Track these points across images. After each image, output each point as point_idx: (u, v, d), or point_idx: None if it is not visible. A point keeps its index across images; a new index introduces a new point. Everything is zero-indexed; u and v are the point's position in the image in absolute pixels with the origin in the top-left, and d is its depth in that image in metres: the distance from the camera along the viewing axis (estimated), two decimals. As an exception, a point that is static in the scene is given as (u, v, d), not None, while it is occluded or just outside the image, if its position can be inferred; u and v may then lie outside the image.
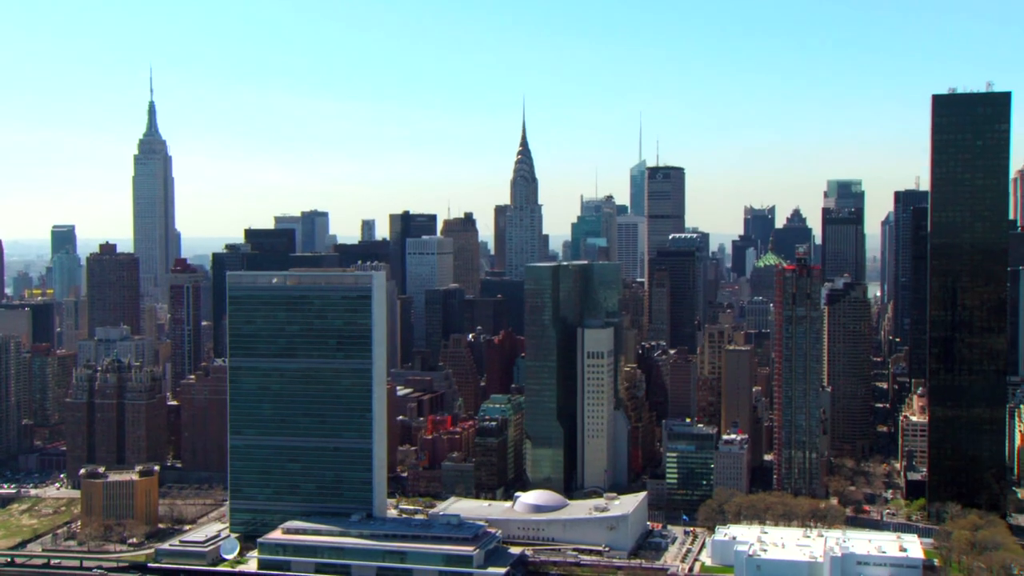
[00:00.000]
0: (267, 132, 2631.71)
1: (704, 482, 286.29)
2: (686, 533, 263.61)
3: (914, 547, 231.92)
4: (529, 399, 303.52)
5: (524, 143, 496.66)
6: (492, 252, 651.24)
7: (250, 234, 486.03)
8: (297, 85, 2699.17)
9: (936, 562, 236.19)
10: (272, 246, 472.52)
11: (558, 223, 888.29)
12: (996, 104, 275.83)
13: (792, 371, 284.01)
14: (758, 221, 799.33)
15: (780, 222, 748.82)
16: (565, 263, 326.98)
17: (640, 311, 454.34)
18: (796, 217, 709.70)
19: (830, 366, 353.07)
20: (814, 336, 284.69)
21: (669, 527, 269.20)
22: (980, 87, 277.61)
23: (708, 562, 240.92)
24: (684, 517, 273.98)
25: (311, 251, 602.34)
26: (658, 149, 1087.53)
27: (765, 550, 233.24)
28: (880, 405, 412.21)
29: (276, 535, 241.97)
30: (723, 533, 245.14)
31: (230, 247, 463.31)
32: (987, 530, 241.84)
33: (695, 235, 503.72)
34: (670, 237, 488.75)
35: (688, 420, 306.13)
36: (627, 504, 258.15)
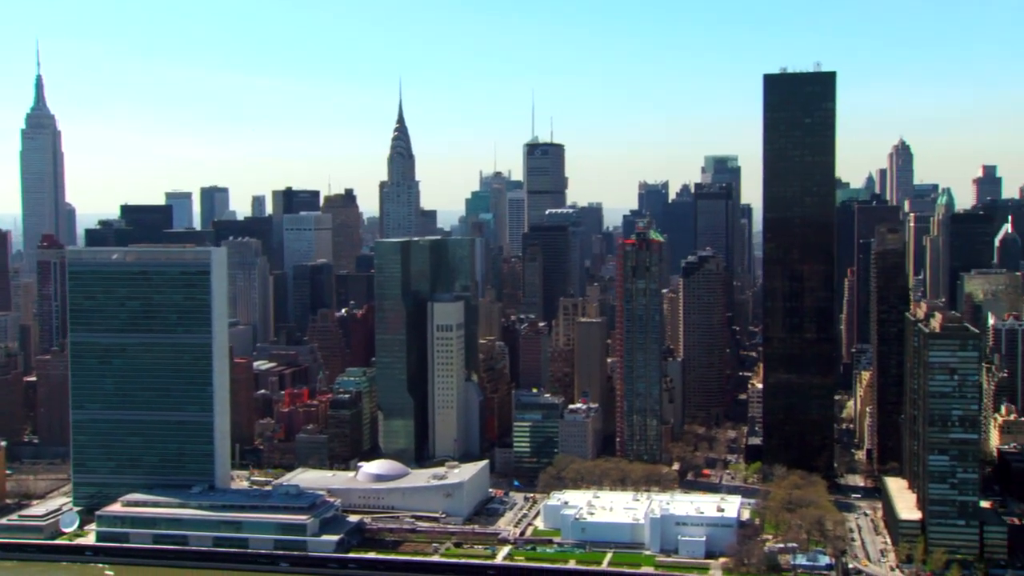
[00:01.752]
0: (173, 107, 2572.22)
1: (556, 450, 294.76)
2: (526, 499, 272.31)
3: (732, 507, 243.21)
4: (380, 372, 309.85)
5: (400, 120, 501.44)
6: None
7: (126, 210, 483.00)
8: (202, 59, 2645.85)
9: (756, 521, 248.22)
10: (148, 222, 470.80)
11: (458, 199, 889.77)
12: (823, 83, 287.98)
13: (633, 341, 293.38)
14: (652, 196, 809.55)
15: (673, 197, 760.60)
16: (416, 239, 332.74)
17: (518, 285, 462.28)
18: (685, 192, 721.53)
19: (685, 336, 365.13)
20: (654, 308, 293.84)
21: (511, 494, 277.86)
22: (810, 67, 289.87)
23: (541, 526, 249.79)
24: (515, 483, 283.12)
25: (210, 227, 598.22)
26: (552, 125, 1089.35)
27: (592, 513, 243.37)
28: (746, 374, 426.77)
29: (115, 508, 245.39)
30: (556, 498, 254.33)
31: (103, 223, 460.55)
32: (804, 489, 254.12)
33: (571, 210, 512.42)
34: (546, 212, 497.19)
35: (535, 390, 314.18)
36: (465, 472, 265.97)
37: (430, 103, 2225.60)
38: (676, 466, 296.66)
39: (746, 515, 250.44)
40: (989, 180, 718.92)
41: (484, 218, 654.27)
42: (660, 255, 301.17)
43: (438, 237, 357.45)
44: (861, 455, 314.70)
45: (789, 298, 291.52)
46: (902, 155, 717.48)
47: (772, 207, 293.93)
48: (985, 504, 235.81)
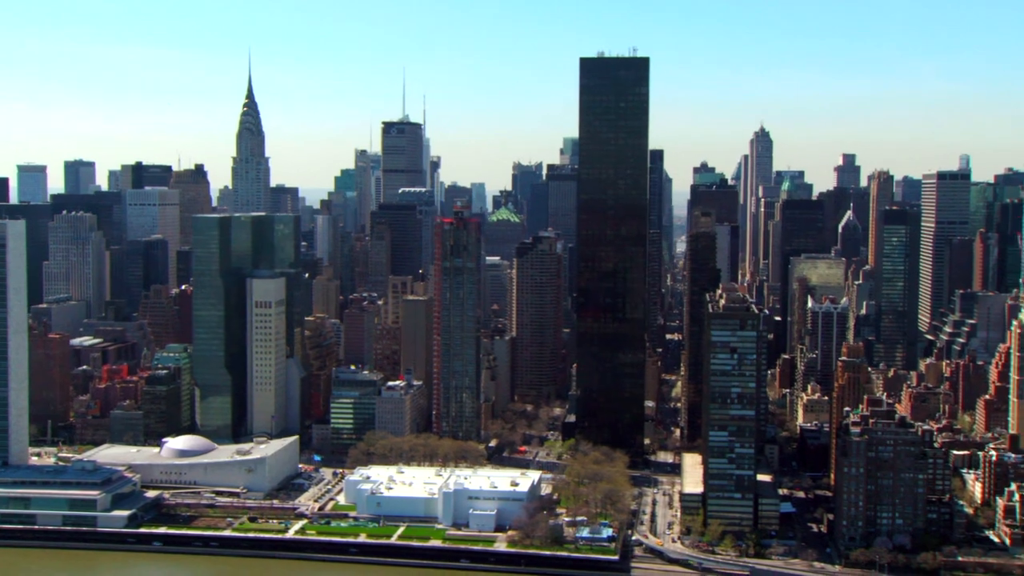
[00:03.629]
0: (37, 77, 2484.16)
1: (375, 427, 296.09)
2: (335, 475, 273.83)
3: (526, 482, 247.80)
4: (198, 348, 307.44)
5: (250, 95, 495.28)
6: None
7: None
8: (94, 30, 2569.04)
9: (555, 495, 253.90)
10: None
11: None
12: (637, 68, 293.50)
13: (450, 320, 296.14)
14: (525, 177, 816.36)
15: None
16: (238, 214, 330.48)
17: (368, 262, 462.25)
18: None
19: (518, 315, 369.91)
20: (471, 286, 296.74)
21: (321, 469, 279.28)
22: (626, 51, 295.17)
23: (342, 501, 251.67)
24: (316, 458, 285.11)
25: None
26: (425, 104, 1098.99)
27: (391, 488, 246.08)
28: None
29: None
30: (360, 474, 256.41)
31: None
32: (604, 465, 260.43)
33: (424, 190, 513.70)
34: (399, 191, 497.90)
35: (353, 367, 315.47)
36: (270, 448, 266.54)
37: (307, 79, 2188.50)
38: (494, 442, 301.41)
39: (547, 490, 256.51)
40: (848, 168, 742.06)
41: (349, 196, 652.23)
42: (479, 234, 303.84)
43: (262, 214, 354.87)
44: (679, 432, 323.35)
45: (602, 278, 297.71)
46: (762, 141, 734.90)
47: (586, 188, 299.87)
48: (765, 478, 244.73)
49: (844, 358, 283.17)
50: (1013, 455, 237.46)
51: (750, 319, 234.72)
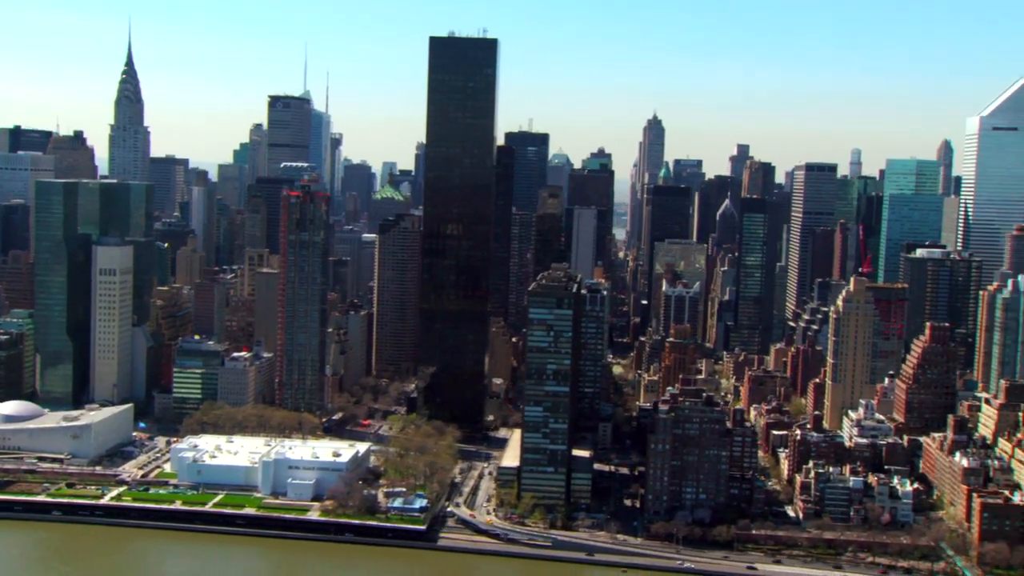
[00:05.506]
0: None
1: (217, 397, 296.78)
2: (168, 443, 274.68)
3: (349, 453, 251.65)
4: (39, 314, 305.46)
5: (129, 63, 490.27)
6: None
7: None
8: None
9: (381, 467, 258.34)
10: None
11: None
12: (486, 49, 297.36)
13: (295, 293, 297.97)
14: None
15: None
16: (86, 181, 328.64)
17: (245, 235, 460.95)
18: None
19: (380, 292, 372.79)
20: (316, 259, 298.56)
21: (156, 438, 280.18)
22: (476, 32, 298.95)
23: (168, 469, 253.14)
24: (141, 425, 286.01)
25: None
26: (328, 80, 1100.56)
27: (215, 457, 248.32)
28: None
29: None
30: (187, 442, 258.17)
31: None
32: (433, 439, 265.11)
33: (306, 165, 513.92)
34: (281, 165, 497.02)
35: (198, 337, 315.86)
36: (98, 415, 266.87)
37: (213, 51, 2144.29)
38: (339, 415, 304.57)
39: (376, 462, 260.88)
40: (742, 158, 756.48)
41: (244, 169, 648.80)
42: (326, 208, 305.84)
43: (113, 180, 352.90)
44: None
45: (445, 256, 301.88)
46: (654, 129, 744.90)
47: (432, 167, 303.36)
48: (583, 453, 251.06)
49: (671, 339, 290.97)
50: (816, 434, 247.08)
51: (567, 298, 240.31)
